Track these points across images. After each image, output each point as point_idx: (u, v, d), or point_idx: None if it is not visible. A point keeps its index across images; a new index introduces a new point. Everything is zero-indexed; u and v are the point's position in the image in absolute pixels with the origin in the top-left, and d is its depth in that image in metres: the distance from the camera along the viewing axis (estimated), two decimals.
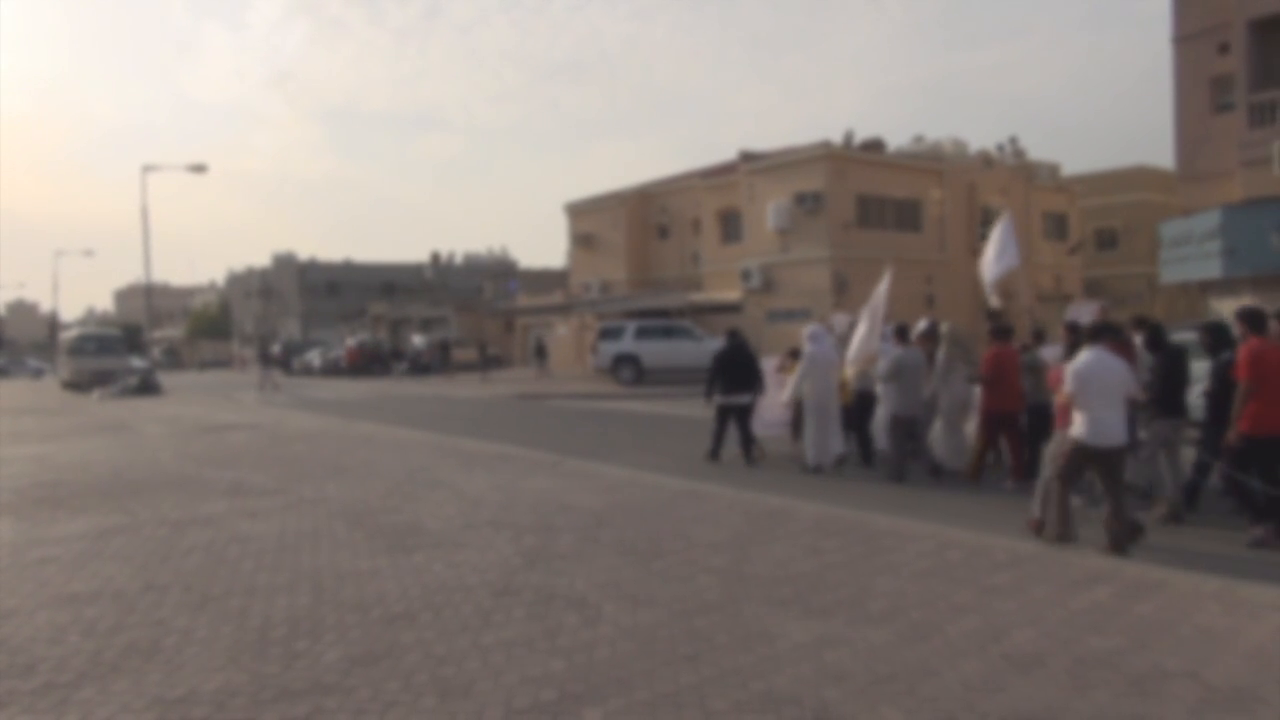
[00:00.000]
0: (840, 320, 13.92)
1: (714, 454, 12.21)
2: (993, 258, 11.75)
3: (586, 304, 38.43)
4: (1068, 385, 6.97)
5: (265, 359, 33.31)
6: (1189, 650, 4.67)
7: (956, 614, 5.32)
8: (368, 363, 44.38)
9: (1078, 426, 6.94)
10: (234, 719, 4.12)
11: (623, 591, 5.91)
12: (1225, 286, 19.58)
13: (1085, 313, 10.18)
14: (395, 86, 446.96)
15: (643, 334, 29.33)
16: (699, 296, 35.23)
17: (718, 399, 12.21)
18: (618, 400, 24.49)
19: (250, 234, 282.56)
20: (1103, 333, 7.19)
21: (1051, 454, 7.56)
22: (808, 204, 30.11)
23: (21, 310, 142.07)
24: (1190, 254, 20.21)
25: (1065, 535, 7.03)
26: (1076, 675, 4.38)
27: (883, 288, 11.33)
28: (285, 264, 78.03)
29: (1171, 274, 21.46)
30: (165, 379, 39.08)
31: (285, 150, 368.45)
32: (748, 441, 12.10)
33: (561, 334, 41.48)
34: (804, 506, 8.63)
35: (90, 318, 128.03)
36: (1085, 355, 7.00)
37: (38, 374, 58.48)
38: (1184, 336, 11.89)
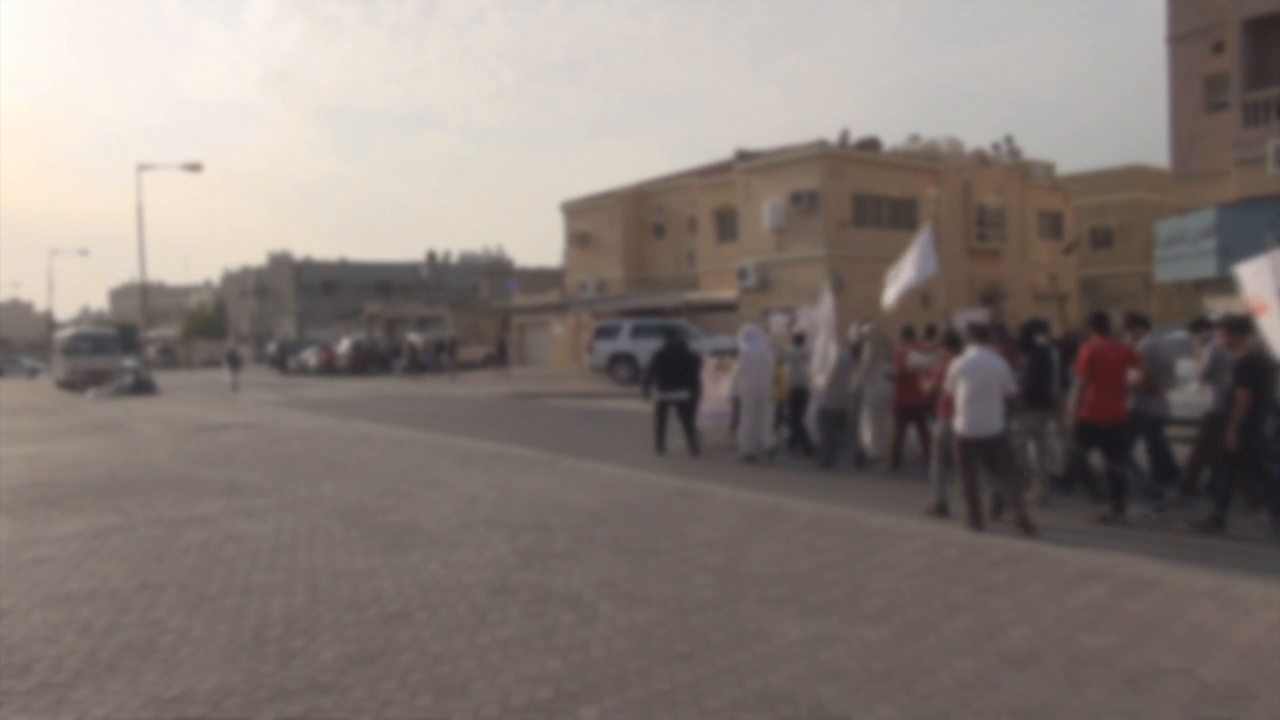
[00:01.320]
0: (778, 320, 14.65)
1: (659, 447, 13.02)
2: (911, 266, 12.31)
3: (582, 303, 38.42)
4: (949, 382, 7.78)
5: (233, 360, 33.99)
6: (1183, 648, 4.69)
7: (952, 612, 5.33)
8: (364, 362, 44.32)
9: (958, 420, 7.68)
10: (230, 718, 4.12)
11: (618, 590, 5.92)
12: (1220, 285, 19.60)
13: (976, 317, 11.12)
14: (391, 85, 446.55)
15: (638, 333, 29.34)
16: (695, 295, 35.24)
17: (656, 395, 13.11)
18: (613, 399, 24.48)
19: (246, 233, 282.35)
20: (985, 334, 7.97)
21: (940, 441, 8.39)
22: (804, 203, 30.12)
23: (16, 309, 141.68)
24: (1185, 253, 20.25)
25: (976, 521, 7.62)
26: (1071, 673, 4.39)
27: (828, 299, 12.03)
28: (281, 263, 77.92)
29: (1166, 273, 21.50)
30: (162, 379, 38.99)
31: (281, 149, 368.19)
32: (690, 433, 12.99)
33: (558, 333, 41.47)
34: (799, 505, 8.64)
35: (85, 317, 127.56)
36: (968, 354, 7.74)
37: (33, 373, 58.31)
38: (1177, 335, 11.97)
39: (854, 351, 11.83)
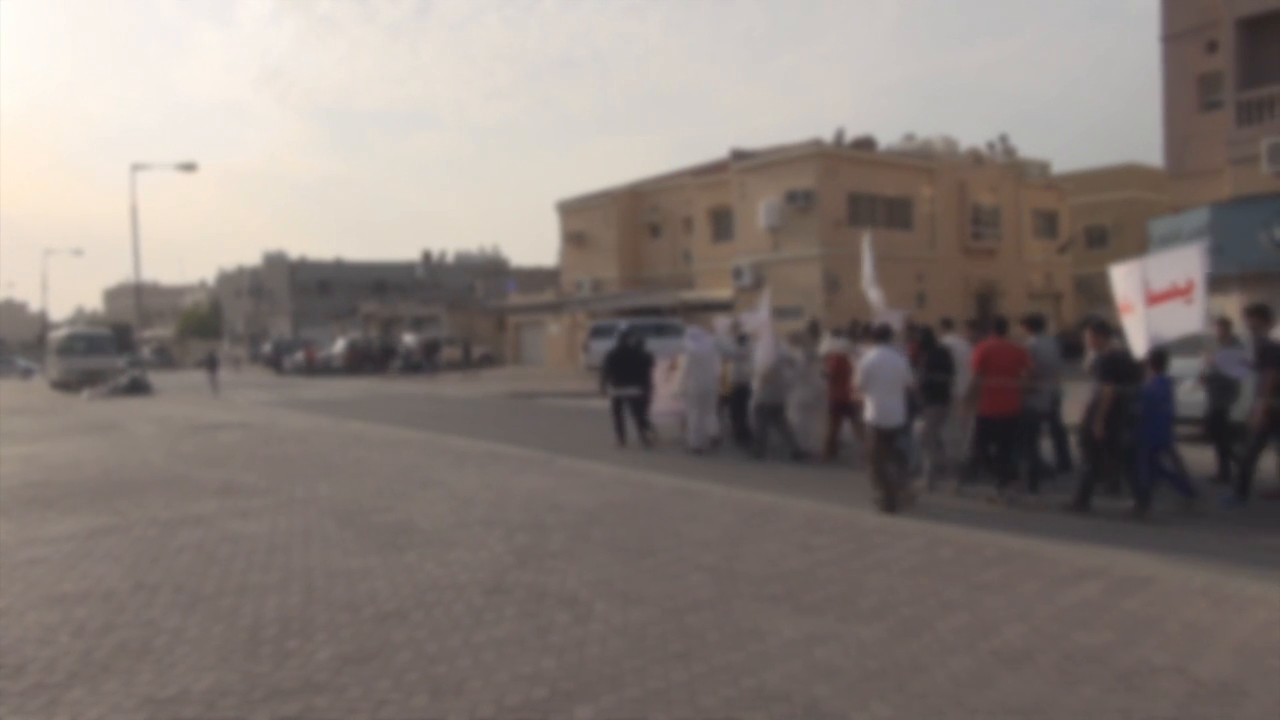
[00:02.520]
0: (722, 322, 15.40)
1: (620, 441, 13.82)
2: (871, 275, 13.67)
3: (578, 302, 38.42)
4: (858, 378, 8.59)
5: (210, 363, 34.49)
6: (1176, 645, 4.71)
7: (946, 610, 5.34)
8: (359, 362, 44.29)
9: (869, 412, 8.50)
10: (225, 718, 4.12)
11: (614, 589, 5.92)
12: (1214, 284, 19.60)
13: (895, 319, 11.76)
14: (386, 84, 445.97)
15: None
16: (691, 295, 35.25)
17: (610, 391, 13.97)
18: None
19: (241, 233, 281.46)
20: (887, 335, 8.84)
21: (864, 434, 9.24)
22: (799, 202, 30.14)
23: (10, 310, 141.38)
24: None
25: (890, 505, 8.33)
26: (1065, 671, 4.41)
27: (765, 304, 13.02)
28: (276, 263, 77.80)
29: None
30: (156, 379, 38.89)
31: (276, 148, 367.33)
32: (642, 425, 13.90)
33: (553, 332, 41.46)
34: (795, 504, 8.66)
35: (80, 317, 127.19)
36: (873, 352, 8.56)
37: (27, 374, 58.12)
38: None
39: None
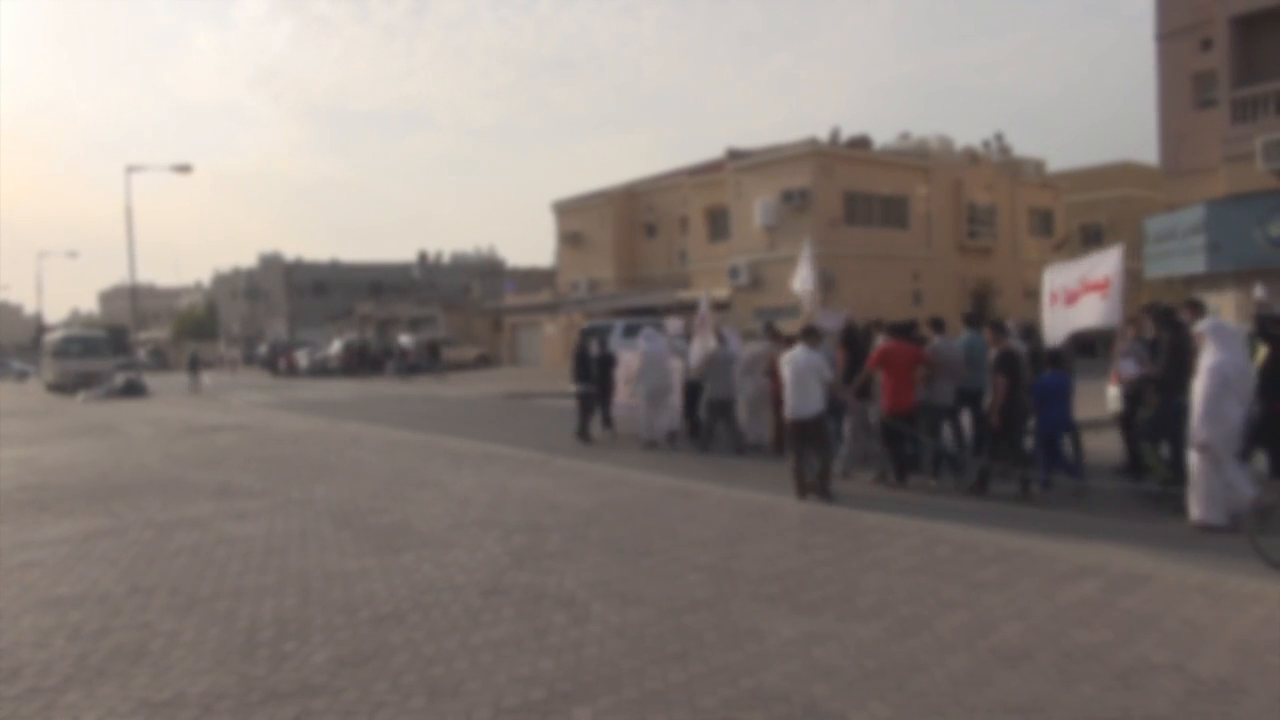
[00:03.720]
0: (675, 324, 16.23)
1: (581, 435, 14.45)
2: (806, 279, 14.95)
3: (574, 302, 38.40)
4: (784, 373, 9.15)
5: (192, 365, 35.48)
6: (1175, 643, 4.70)
7: (944, 609, 5.34)
8: (356, 363, 44.24)
9: (786, 405, 9.16)
10: None
11: (611, 590, 5.91)
12: (1209, 281, 19.71)
13: (831, 319, 12.51)
14: (382, 84, 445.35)
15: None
16: (687, 294, 35.19)
17: (574, 388, 14.92)
18: None
19: (236, 234, 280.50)
20: (813, 335, 9.41)
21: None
22: (795, 201, 30.14)
23: (5, 312, 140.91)
24: (1174, 249, 20.32)
25: (800, 491, 8.97)
26: (1063, 669, 4.40)
27: (704, 307, 13.86)
28: (272, 264, 77.61)
29: (1156, 269, 21.58)
30: (152, 381, 38.81)
31: (271, 149, 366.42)
32: (604, 421, 14.98)
33: (549, 333, 41.43)
34: (792, 503, 8.66)
35: (75, 319, 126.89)
36: (794, 351, 9.14)
37: (22, 376, 57.98)
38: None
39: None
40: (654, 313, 33.68)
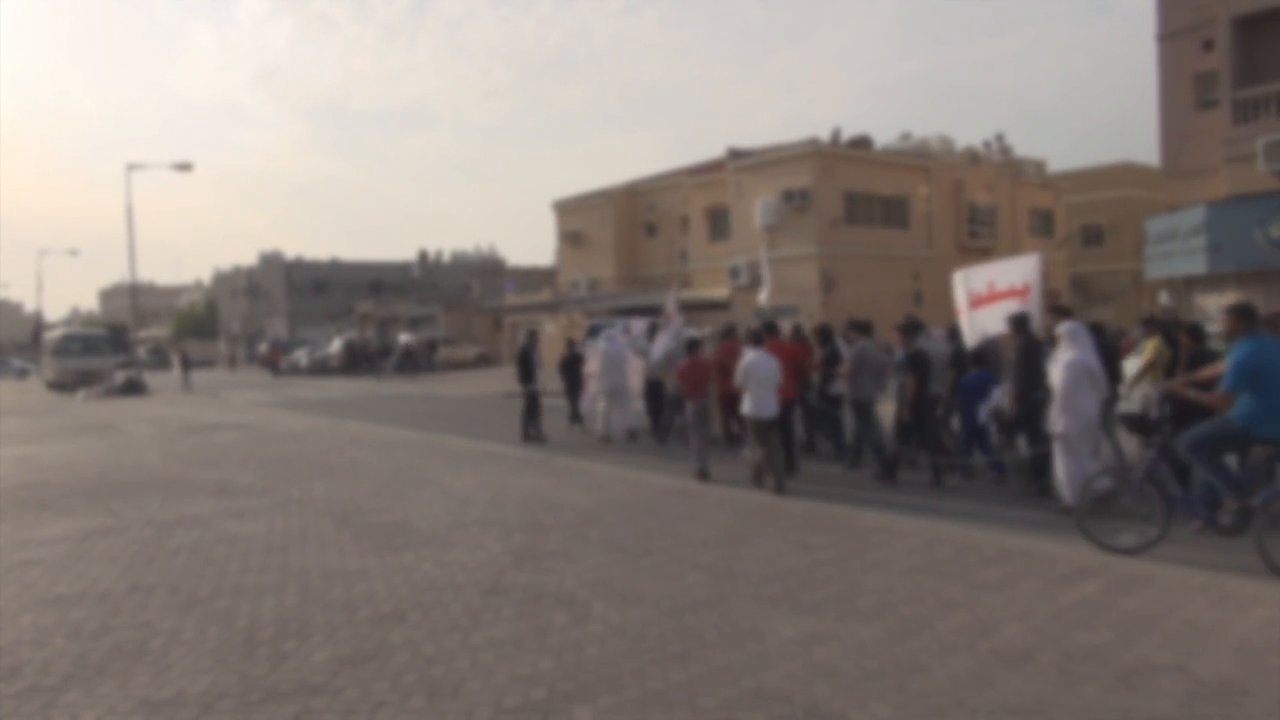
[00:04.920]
0: (638, 324, 16.97)
1: (525, 434, 14.84)
2: (767, 281, 16.13)
3: (574, 302, 38.37)
4: (738, 376, 9.59)
5: (184, 363, 36.68)
6: (1177, 644, 4.70)
7: (946, 610, 5.33)
8: (355, 362, 44.22)
9: (746, 404, 9.54)
10: None
11: (612, 589, 5.90)
12: (1210, 282, 19.69)
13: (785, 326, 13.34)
14: (382, 83, 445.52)
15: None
16: (687, 294, 35.21)
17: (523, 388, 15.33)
18: None
19: (236, 232, 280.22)
20: (760, 338, 9.99)
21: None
22: (795, 201, 30.13)
23: (5, 310, 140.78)
24: (1175, 250, 20.31)
25: (759, 481, 9.56)
26: (1065, 670, 4.39)
27: (670, 306, 14.57)
28: (272, 263, 77.57)
29: (1157, 270, 21.56)
30: (152, 379, 38.79)
31: (271, 148, 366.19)
32: (574, 416, 15.69)
33: (550, 332, 41.40)
34: (792, 503, 8.65)
35: (75, 318, 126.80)
36: (749, 354, 9.66)
37: (22, 374, 57.95)
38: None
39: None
40: (654, 312, 33.73)
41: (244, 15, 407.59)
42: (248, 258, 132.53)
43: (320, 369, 44.99)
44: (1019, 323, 9.30)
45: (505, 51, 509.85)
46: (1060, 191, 39.29)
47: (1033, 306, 9.81)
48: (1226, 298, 18.59)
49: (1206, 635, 4.81)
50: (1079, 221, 40.42)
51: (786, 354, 10.43)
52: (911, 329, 10.09)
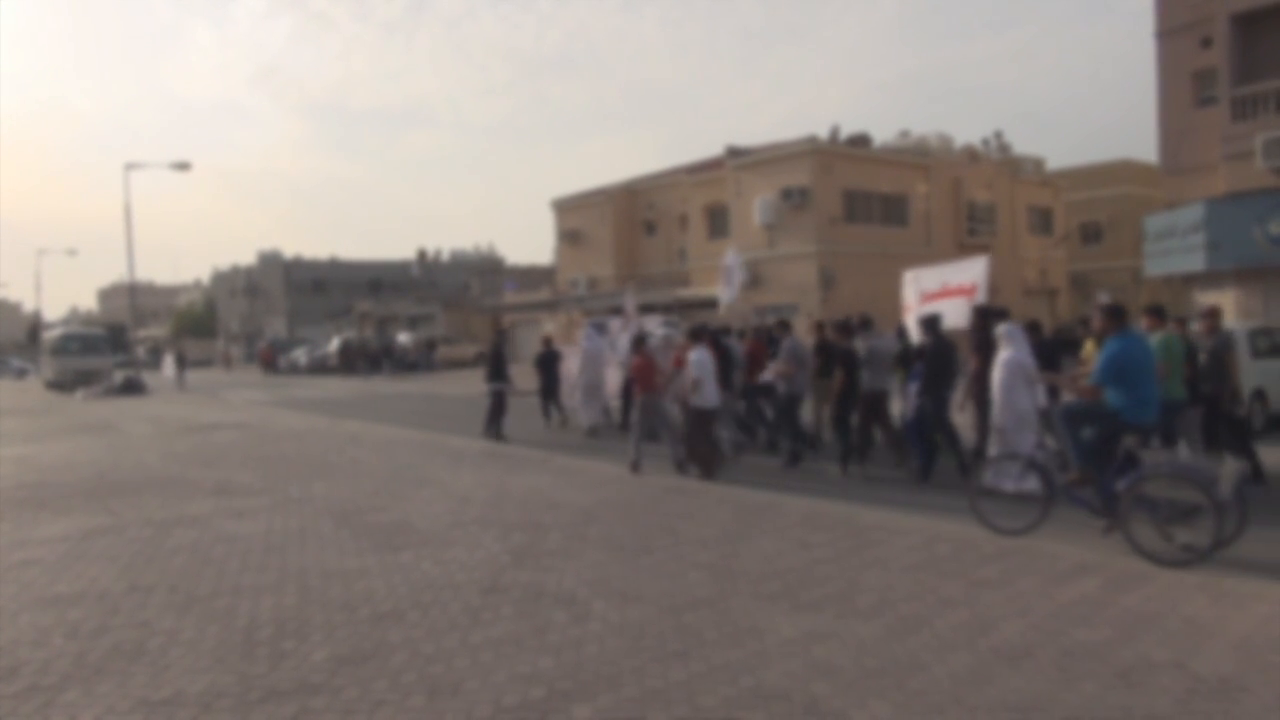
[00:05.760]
0: (617, 322, 17.36)
1: (488, 431, 15.02)
2: (729, 282, 16.58)
3: (573, 300, 38.38)
4: (693, 371, 10.50)
5: (180, 361, 37.30)
6: (1176, 641, 4.70)
7: (945, 607, 5.33)
8: (354, 361, 44.22)
9: (695, 397, 10.41)
10: None
11: (611, 588, 5.90)
12: (1209, 279, 19.71)
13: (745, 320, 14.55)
14: (381, 81, 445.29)
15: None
16: (686, 292, 35.22)
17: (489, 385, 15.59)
18: None
19: (235, 232, 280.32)
20: (700, 336, 11.03)
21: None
22: (794, 199, 30.13)
23: (4, 310, 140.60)
24: (1174, 247, 20.31)
25: (709, 473, 10.30)
26: (1064, 667, 4.39)
27: (629, 305, 15.74)
28: (270, 262, 77.54)
29: (1156, 267, 21.57)
30: (151, 379, 38.77)
31: (270, 147, 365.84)
32: (494, 415, 15.41)
33: (549, 331, 41.40)
34: (792, 501, 8.65)
35: (74, 317, 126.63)
36: (696, 351, 10.56)
37: (21, 374, 57.89)
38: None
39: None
40: (653, 310, 33.73)
41: (242, 14, 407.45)
42: (246, 257, 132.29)
43: (320, 368, 45.00)
44: (928, 324, 9.99)
45: (504, 49, 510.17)
46: (1059, 189, 39.28)
47: (979, 304, 10.58)
48: (1225, 295, 18.63)
49: (1205, 632, 4.81)
50: (1078, 219, 40.41)
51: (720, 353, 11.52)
52: (845, 327, 10.99)
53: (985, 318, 9.92)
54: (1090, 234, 40.72)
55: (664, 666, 4.53)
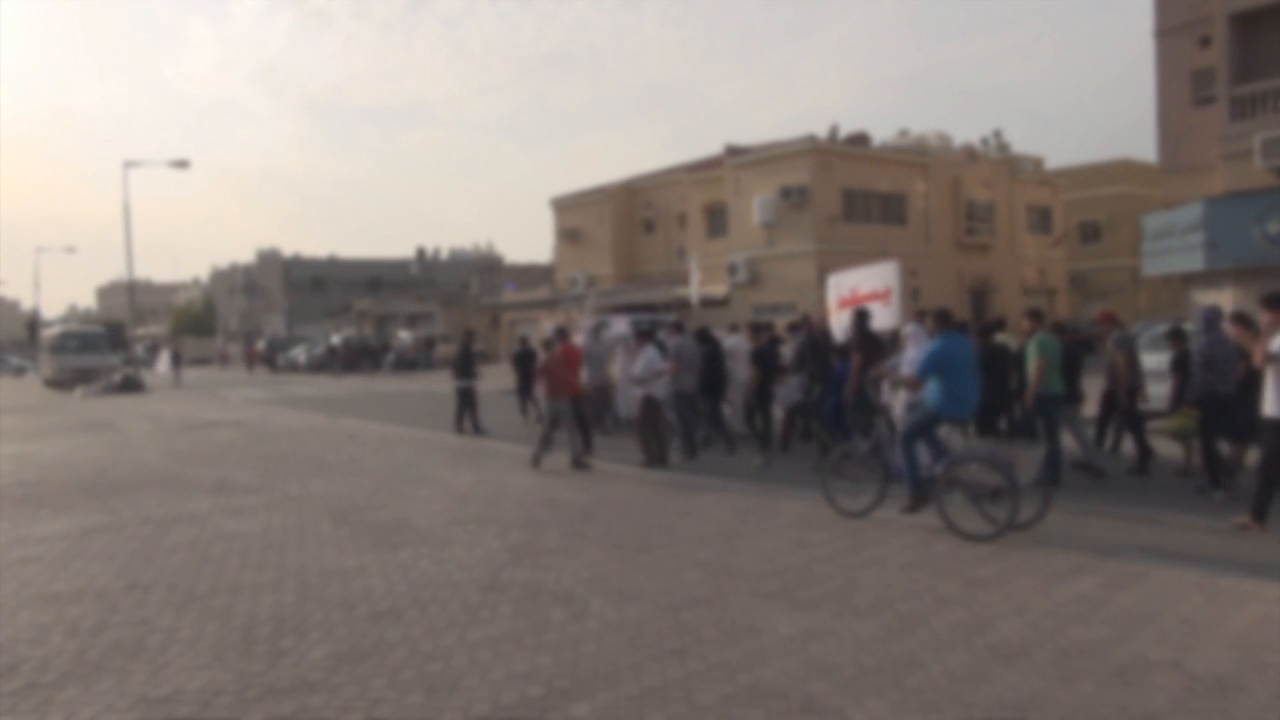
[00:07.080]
0: (605, 323, 17.91)
1: (458, 428, 15.70)
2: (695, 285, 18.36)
3: (572, 299, 38.33)
4: (639, 367, 11.37)
5: (175, 359, 37.83)
6: (1172, 640, 4.71)
7: (942, 606, 5.34)
8: (353, 359, 44.22)
9: (648, 387, 11.30)
10: (219, 718, 4.09)
11: (609, 586, 5.91)
12: (1207, 279, 19.70)
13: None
14: (381, 80, 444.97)
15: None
16: (685, 291, 35.23)
17: (456, 383, 16.22)
18: None
19: (234, 230, 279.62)
20: (649, 335, 12.04)
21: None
22: (793, 198, 30.13)
23: (2, 308, 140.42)
24: (1173, 246, 20.31)
25: (660, 461, 11.14)
26: (1061, 666, 4.40)
27: (589, 303, 15.94)
28: (269, 260, 77.52)
29: (1154, 266, 21.57)
30: (150, 377, 38.76)
31: (269, 144, 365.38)
32: (461, 412, 15.98)
33: (548, 329, 41.41)
34: (790, 500, 8.65)
35: (72, 315, 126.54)
36: (648, 350, 11.56)
37: (20, 372, 57.86)
38: (1158, 329, 12.23)
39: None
40: (651, 309, 33.73)
41: (241, 11, 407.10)
42: (245, 255, 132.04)
43: (319, 366, 45.02)
44: (794, 326, 11.45)
45: (504, 48, 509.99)
46: (1058, 188, 39.28)
47: (894, 308, 11.39)
48: (1224, 294, 18.63)
49: (1201, 631, 4.83)
50: (1077, 218, 40.42)
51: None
52: (760, 328, 12.18)
53: (863, 318, 10.62)
54: (1089, 233, 40.73)
55: (662, 665, 4.54)
